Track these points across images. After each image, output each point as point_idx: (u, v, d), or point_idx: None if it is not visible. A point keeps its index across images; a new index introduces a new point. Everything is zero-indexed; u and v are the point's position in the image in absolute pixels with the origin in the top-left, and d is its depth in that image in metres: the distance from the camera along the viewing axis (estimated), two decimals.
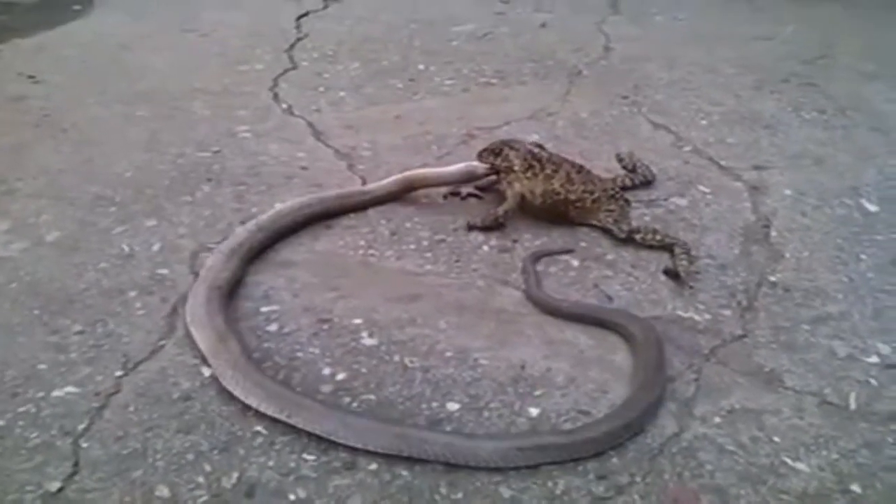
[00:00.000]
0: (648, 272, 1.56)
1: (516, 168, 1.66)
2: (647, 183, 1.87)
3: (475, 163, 1.72)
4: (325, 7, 3.02)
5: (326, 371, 1.26)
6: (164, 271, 1.49)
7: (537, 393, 1.24)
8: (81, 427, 1.14)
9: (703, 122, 2.23)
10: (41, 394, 1.20)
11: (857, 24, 3.02)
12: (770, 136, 2.15)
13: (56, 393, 1.20)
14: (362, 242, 1.61)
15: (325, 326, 1.36)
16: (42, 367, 1.25)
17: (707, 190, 1.88)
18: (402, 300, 1.44)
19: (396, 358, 1.30)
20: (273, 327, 1.36)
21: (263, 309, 1.40)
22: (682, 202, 1.82)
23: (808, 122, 2.23)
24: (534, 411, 1.21)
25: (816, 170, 1.97)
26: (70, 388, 1.21)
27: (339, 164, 1.90)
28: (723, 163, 2.00)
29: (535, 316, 1.42)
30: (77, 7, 2.90)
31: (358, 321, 1.38)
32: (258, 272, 1.50)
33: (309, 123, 2.09)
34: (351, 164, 1.90)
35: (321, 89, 2.31)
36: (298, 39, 2.68)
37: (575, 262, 1.58)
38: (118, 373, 1.24)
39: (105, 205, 1.69)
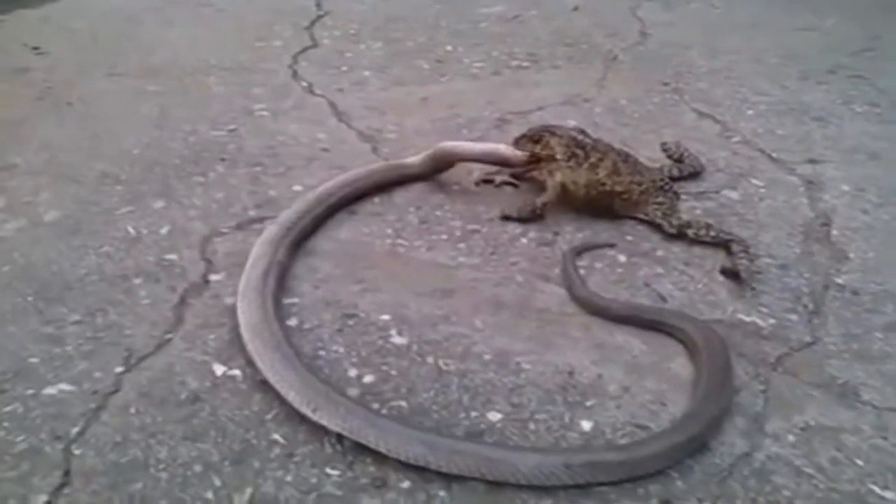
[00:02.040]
0: (703, 271, 1.42)
1: (558, 157, 1.51)
2: (696, 174, 1.73)
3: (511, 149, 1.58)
4: None
5: (352, 372, 1.13)
6: (173, 257, 1.35)
7: (588, 403, 1.10)
8: (75, 431, 1.01)
9: (750, 111, 2.09)
10: (31, 391, 1.06)
11: None
12: (821, 128, 2.01)
13: (48, 391, 1.06)
14: (389, 231, 1.47)
15: (350, 322, 1.22)
16: (33, 360, 1.12)
17: (760, 183, 1.73)
18: (434, 295, 1.30)
19: (430, 359, 1.16)
20: (293, 322, 1.22)
21: (282, 301, 1.26)
22: (734, 195, 1.68)
23: (860, 115, 2.09)
24: (586, 424, 1.07)
25: (873, 165, 1.83)
26: (64, 386, 1.07)
27: (363, 147, 1.76)
28: (774, 155, 1.86)
29: (581, 316, 1.28)
30: None
31: (386, 317, 1.24)
32: None
33: (331, 103, 1.96)
34: (375, 146, 1.77)
35: (343, 68, 2.17)
36: (319, 17, 2.54)
37: (622, 258, 1.44)
38: (118, 369, 1.11)
39: (110, 183, 1.56)
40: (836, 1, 3.05)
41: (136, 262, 1.33)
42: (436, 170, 1.62)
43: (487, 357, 1.17)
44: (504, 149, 1.56)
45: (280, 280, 1.27)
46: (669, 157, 1.78)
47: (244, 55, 2.20)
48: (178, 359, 1.13)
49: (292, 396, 1.03)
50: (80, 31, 2.31)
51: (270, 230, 1.36)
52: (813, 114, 2.09)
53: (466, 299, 1.29)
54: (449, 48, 2.37)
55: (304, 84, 2.06)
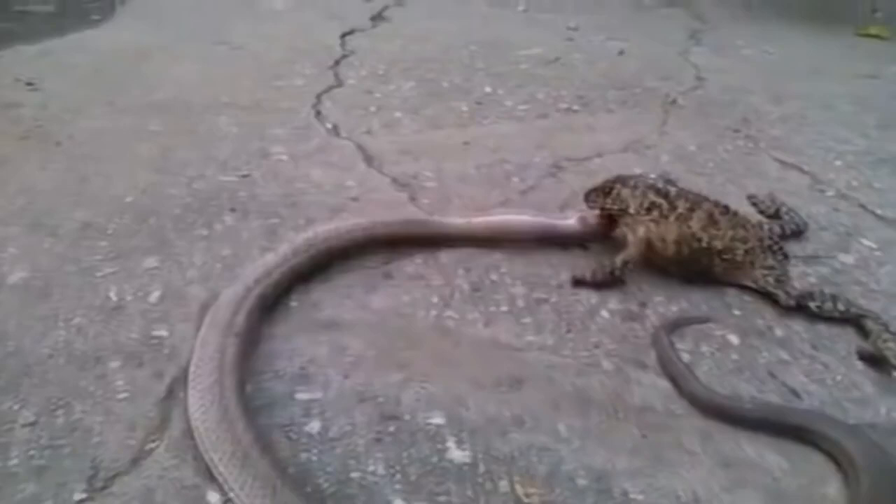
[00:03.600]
0: (838, 356, 1.12)
1: (631, 210, 1.24)
2: (798, 233, 1.44)
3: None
4: (374, 27, 2.67)
5: None
6: (162, 332, 1.06)
7: None
8: None
9: (838, 162, 1.82)
10: None
11: None
12: None
13: None
14: (435, 299, 1.18)
15: (392, 427, 0.92)
16: None
17: (873, 245, 1.45)
18: (499, 387, 1.00)
19: (503, 485, 0.85)
20: (314, 426, 0.91)
21: (300, 395, 0.96)
22: (849, 259, 1.39)
23: None
24: None
25: None
26: None
27: (398, 196, 1.49)
28: (879, 212, 1.59)
29: (694, 419, 0.98)
30: (96, 17, 2.58)
31: (439, 420, 0.93)
32: (291, 334, 1.07)
33: (359, 146, 1.69)
34: (413, 195, 1.49)
35: (372, 109, 1.92)
36: (344, 56, 2.31)
37: (734, 340, 1.13)
38: (78, 496, 0.80)
39: (93, 237, 1.27)
40: (891, 49, 2.89)
41: (116, 338, 1.04)
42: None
43: (582, 481, 0.86)
44: (573, 224, 1.31)
45: (241, 360, 0.97)
46: (761, 212, 1.51)
47: (261, 93, 1.95)
48: (160, 480, 0.82)
49: None
50: (80, 67, 2.08)
51: (226, 293, 1.08)
52: None
53: (542, 394, 0.99)
54: (488, 89, 2.13)
55: (329, 126, 1.80)
